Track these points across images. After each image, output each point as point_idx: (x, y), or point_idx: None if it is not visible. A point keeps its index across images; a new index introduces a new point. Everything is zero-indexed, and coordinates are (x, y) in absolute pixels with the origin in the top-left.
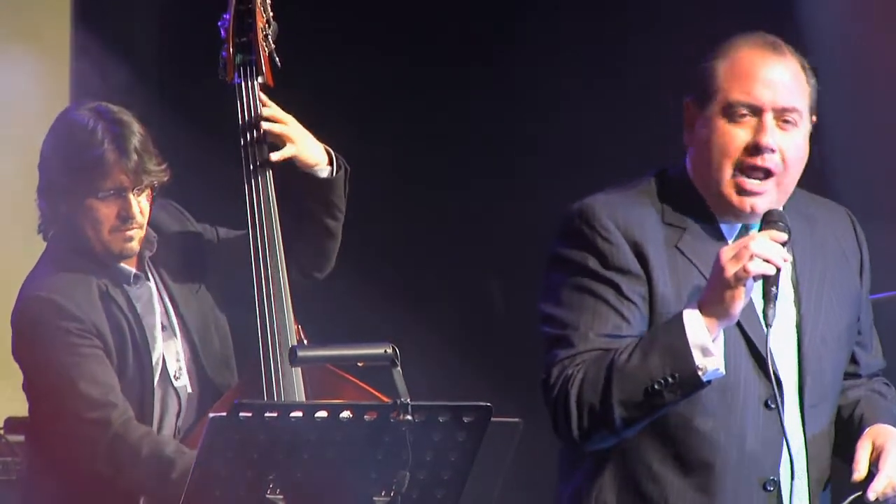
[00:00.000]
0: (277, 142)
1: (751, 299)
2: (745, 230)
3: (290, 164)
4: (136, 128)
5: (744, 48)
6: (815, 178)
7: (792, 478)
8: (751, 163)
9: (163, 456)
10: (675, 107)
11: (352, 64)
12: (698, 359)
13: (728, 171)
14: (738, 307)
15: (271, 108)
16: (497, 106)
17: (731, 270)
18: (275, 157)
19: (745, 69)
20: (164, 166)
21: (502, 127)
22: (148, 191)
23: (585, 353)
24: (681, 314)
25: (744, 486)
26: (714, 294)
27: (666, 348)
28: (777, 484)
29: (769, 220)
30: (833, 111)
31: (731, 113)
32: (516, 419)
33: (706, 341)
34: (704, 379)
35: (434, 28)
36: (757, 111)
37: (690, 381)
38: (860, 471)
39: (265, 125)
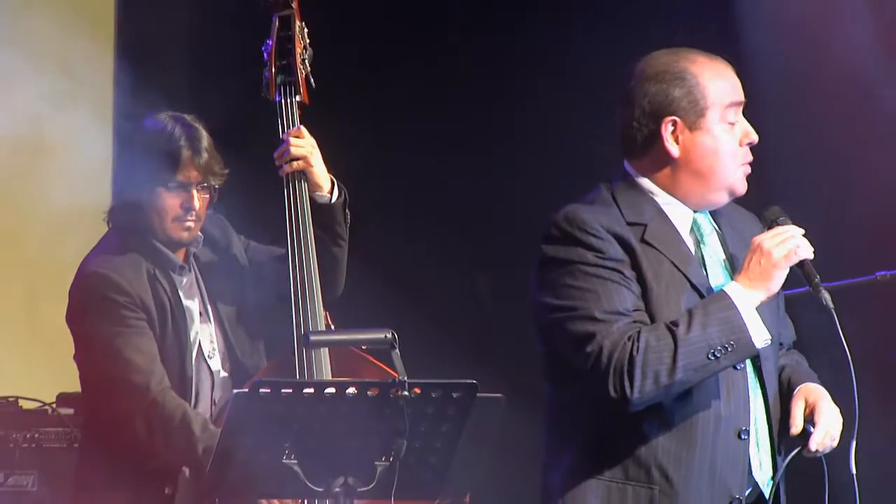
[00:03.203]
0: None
1: (705, 273)
2: (696, 224)
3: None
4: (205, 133)
5: (707, 61)
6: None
7: (758, 425)
8: (748, 155)
9: (191, 428)
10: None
11: (350, 67)
12: (751, 329)
13: (736, 168)
14: (780, 284)
15: (299, 129)
16: (488, 106)
17: (780, 253)
18: (287, 168)
19: (724, 77)
20: (225, 171)
21: (490, 127)
22: (208, 193)
23: (630, 325)
24: (724, 291)
25: (721, 437)
26: (761, 273)
27: (723, 320)
28: (748, 433)
29: (776, 219)
30: (773, 117)
31: (727, 116)
32: (499, 395)
33: (754, 313)
34: (757, 347)
35: (425, 29)
36: (738, 107)
37: (746, 349)
38: (797, 425)
39: (294, 148)
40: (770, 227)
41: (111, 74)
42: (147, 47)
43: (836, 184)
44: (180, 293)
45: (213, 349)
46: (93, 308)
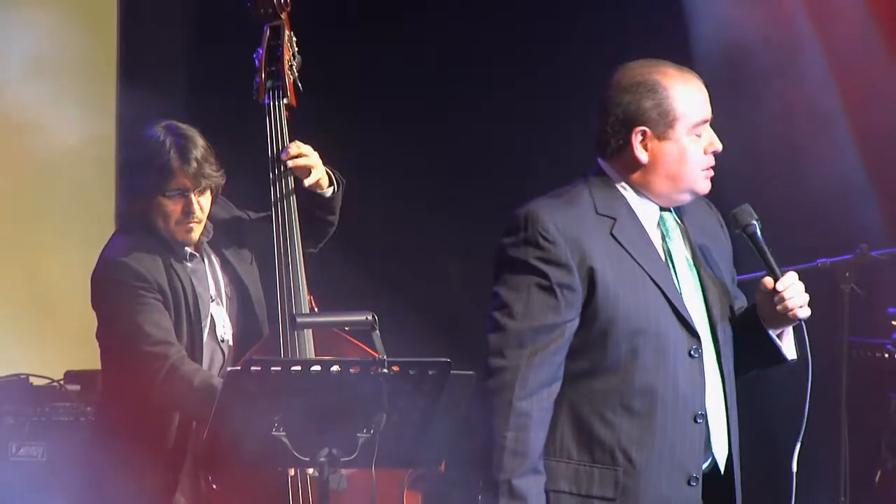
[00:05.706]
0: (303, 173)
1: (667, 266)
2: (662, 220)
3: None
4: (199, 141)
5: (678, 76)
6: None
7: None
8: (711, 161)
9: (212, 384)
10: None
11: (331, 54)
12: None
13: (700, 173)
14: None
15: (298, 146)
16: (465, 95)
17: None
18: (307, 182)
19: (695, 93)
20: (220, 172)
21: (467, 125)
22: (208, 191)
23: (530, 382)
24: None
25: (679, 421)
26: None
27: None
28: (705, 416)
29: (748, 223)
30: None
31: (695, 130)
32: (471, 372)
33: None
34: None
35: (402, 21)
36: (706, 122)
37: None
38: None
39: (298, 161)
40: (745, 229)
41: (114, 81)
42: (148, 56)
43: (780, 173)
44: (193, 281)
45: (226, 331)
46: (113, 292)
